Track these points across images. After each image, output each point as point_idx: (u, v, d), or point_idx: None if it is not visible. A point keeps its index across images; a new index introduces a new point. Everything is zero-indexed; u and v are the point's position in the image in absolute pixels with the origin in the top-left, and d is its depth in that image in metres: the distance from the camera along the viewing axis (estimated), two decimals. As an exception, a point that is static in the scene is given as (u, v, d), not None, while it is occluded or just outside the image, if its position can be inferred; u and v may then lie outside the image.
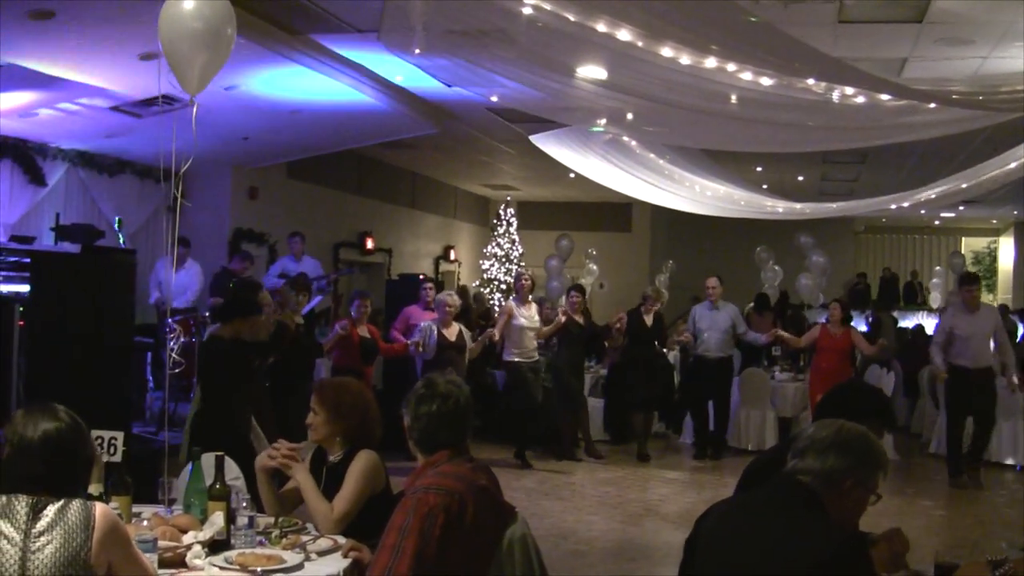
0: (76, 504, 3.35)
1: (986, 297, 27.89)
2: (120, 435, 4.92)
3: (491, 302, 20.20)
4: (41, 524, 3.29)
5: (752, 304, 16.61)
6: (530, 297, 12.69)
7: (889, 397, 5.10)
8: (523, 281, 12.77)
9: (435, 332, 11.26)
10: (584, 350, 13.17)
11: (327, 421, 4.96)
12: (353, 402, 5.01)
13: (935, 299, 25.37)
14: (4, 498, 3.34)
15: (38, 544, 3.26)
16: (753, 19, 7.20)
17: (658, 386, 13.33)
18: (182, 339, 11.78)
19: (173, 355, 11.27)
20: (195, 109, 5.52)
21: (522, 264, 20.48)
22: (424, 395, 4.10)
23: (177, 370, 11.46)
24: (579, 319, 12.78)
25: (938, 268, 27.34)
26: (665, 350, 14.06)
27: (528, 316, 12.43)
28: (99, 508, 3.40)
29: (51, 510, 3.31)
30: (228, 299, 8.21)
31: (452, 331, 11.44)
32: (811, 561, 3.08)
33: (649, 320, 13.18)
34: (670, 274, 22.63)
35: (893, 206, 17.88)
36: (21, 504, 3.31)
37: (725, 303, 13.32)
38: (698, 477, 12.23)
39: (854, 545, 3.18)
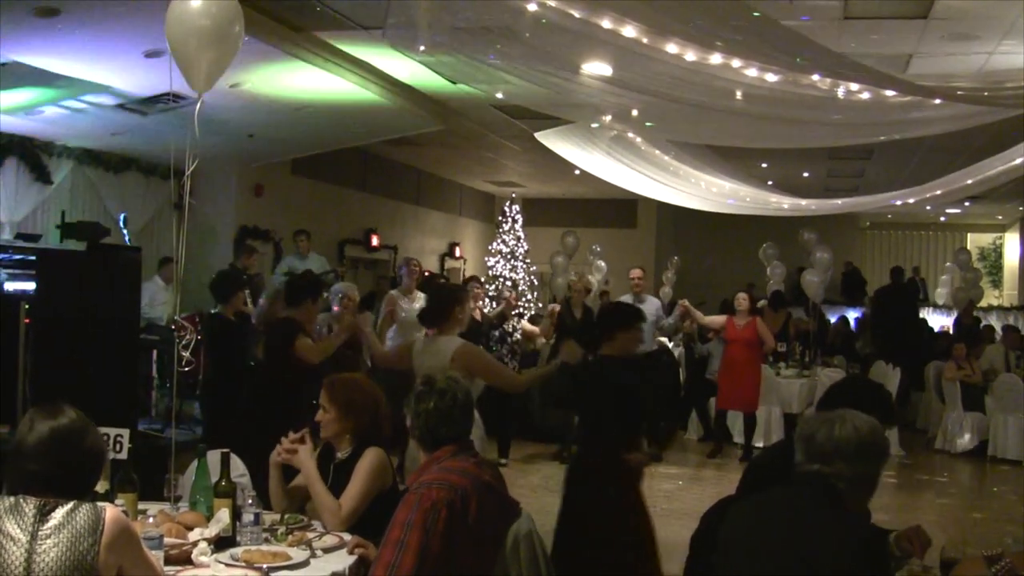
0: (86, 507, 3.33)
1: (991, 293, 27.89)
2: (126, 432, 4.92)
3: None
4: (48, 526, 3.26)
5: (766, 301, 16.60)
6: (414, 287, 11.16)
7: (890, 392, 5.16)
8: (412, 266, 11.34)
9: (325, 328, 9.91)
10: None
11: (337, 419, 4.96)
12: (364, 400, 5.01)
13: (941, 295, 25.26)
14: (12, 499, 3.32)
15: (44, 546, 3.24)
16: (756, 14, 7.18)
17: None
18: (187, 336, 11.73)
19: (185, 354, 11.19)
20: (198, 107, 5.52)
21: (527, 261, 20.43)
22: (422, 392, 4.15)
23: (187, 368, 11.40)
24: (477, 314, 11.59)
25: (949, 264, 27.23)
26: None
27: (410, 309, 10.56)
28: (109, 512, 3.37)
29: (59, 512, 3.29)
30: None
31: None
32: (846, 550, 3.21)
33: (578, 313, 12.57)
34: (675, 270, 22.60)
35: (898, 202, 17.85)
36: (29, 505, 3.29)
37: (650, 297, 13.03)
38: (702, 472, 12.22)
39: (877, 537, 3.28)
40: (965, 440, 13.78)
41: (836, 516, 3.32)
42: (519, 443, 12.39)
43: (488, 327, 12.04)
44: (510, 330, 12.54)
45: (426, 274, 15.42)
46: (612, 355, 6.52)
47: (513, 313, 12.48)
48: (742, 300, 12.85)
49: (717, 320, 13.17)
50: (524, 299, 18.26)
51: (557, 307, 11.91)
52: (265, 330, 7.99)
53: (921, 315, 21.60)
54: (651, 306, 12.81)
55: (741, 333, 12.60)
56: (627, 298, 12.87)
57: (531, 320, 13.79)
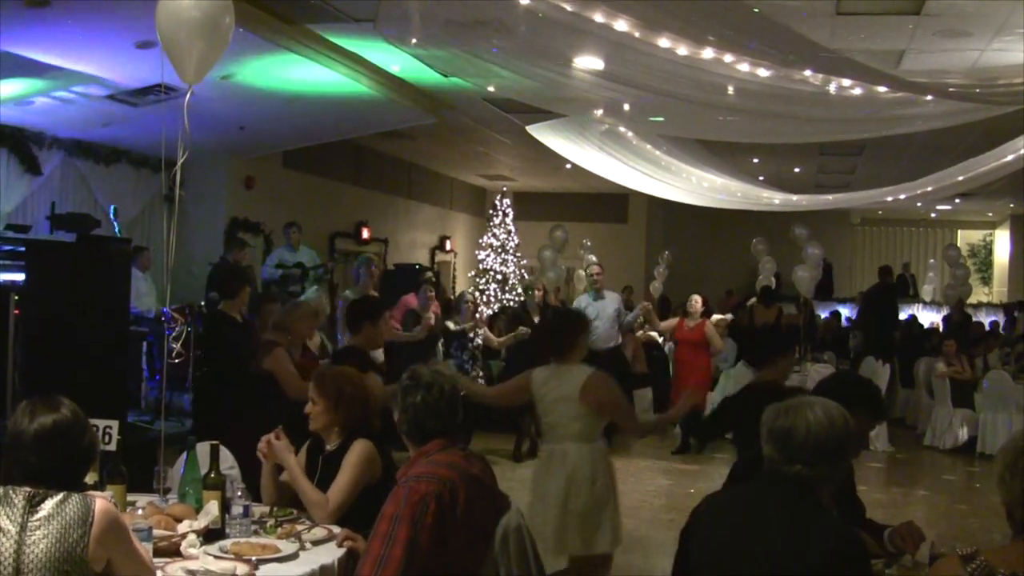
0: (76, 499, 3.33)
1: (981, 290, 27.93)
2: (115, 424, 4.91)
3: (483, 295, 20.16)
4: (38, 517, 3.26)
5: (755, 298, 16.68)
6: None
7: (879, 387, 5.14)
8: (372, 269, 10.99)
9: None
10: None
11: (326, 411, 4.94)
12: (353, 392, 4.99)
13: (927, 292, 25.30)
14: (1, 490, 3.32)
15: (34, 537, 3.23)
16: (756, 10, 7.19)
17: None
18: (178, 328, 11.69)
19: (176, 346, 11.12)
20: (187, 98, 5.51)
21: (518, 255, 20.41)
22: (409, 386, 4.14)
23: (178, 360, 11.34)
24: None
25: (932, 261, 27.27)
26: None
27: None
28: (99, 504, 3.37)
29: (49, 504, 3.28)
30: None
31: None
32: (827, 548, 3.18)
33: (535, 315, 12.51)
34: (666, 265, 22.64)
35: (889, 198, 17.88)
36: (19, 496, 3.29)
37: (609, 292, 12.92)
38: (692, 468, 12.22)
39: (858, 537, 3.27)
40: (954, 436, 13.81)
41: (816, 514, 3.30)
42: (509, 436, 12.36)
43: (444, 335, 11.87)
44: (471, 336, 12.43)
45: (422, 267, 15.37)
46: (775, 379, 6.23)
47: (472, 325, 12.35)
48: (695, 303, 12.95)
49: (671, 324, 13.25)
50: (514, 292, 18.24)
51: (528, 332, 11.65)
52: (332, 360, 7.47)
53: (910, 311, 21.66)
54: (611, 302, 12.73)
55: (689, 335, 12.76)
56: (586, 298, 12.83)
57: (513, 315, 13.69)
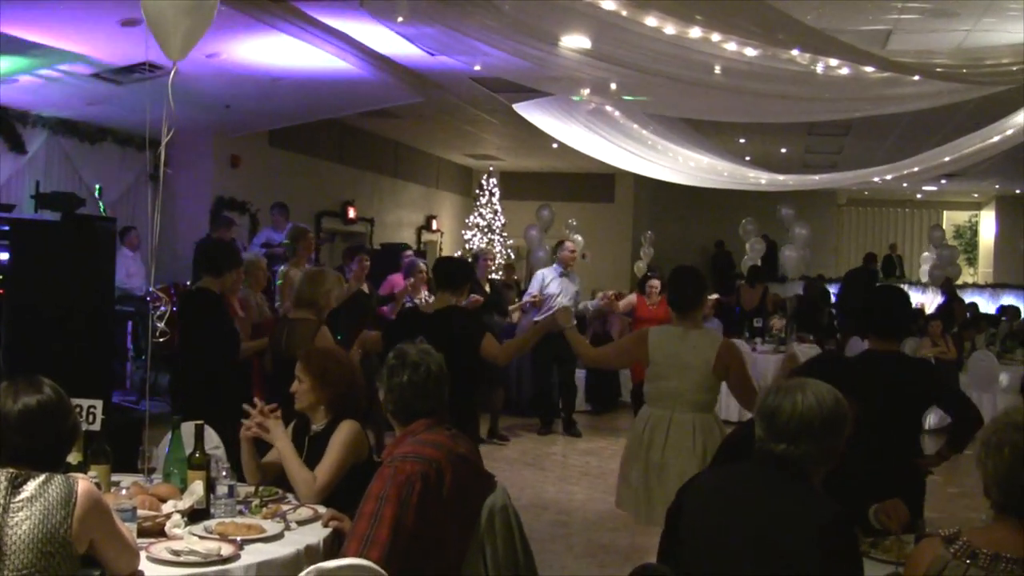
0: (58, 479, 3.31)
1: (967, 271, 27.97)
2: (99, 404, 4.88)
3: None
4: (20, 498, 3.24)
5: (743, 281, 16.74)
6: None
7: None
8: (308, 238, 10.47)
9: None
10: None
11: (312, 389, 4.93)
12: (340, 371, 4.98)
13: (924, 272, 25.32)
14: (-18, 471, 3.31)
15: (16, 519, 3.21)
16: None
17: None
18: (163, 308, 11.57)
19: (160, 325, 10.99)
20: (171, 76, 5.47)
21: (504, 234, 20.42)
22: (395, 366, 4.13)
23: (163, 339, 11.22)
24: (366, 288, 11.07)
25: (930, 244, 27.34)
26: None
27: None
28: (82, 485, 3.35)
29: (32, 485, 3.26)
30: None
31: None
32: (813, 527, 3.18)
33: (486, 286, 12.22)
34: (651, 244, 22.67)
35: (876, 179, 17.90)
36: (1, 478, 3.27)
37: (575, 274, 12.61)
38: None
39: (847, 513, 3.28)
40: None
41: (801, 494, 3.30)
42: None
43: (378, 303, 11.55)
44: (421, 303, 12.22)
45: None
46: (896, 350, 5.57)
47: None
48: (655, 286, 12.83)
49: (630, 302, 13.12)
50: (499, 272, 18.25)
51: (479, 300, 11.13)
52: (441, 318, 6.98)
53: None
54: (577, 281, 12.55)
55: (654, 312, 12.53)
56: (554, 270, 12.49)
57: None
